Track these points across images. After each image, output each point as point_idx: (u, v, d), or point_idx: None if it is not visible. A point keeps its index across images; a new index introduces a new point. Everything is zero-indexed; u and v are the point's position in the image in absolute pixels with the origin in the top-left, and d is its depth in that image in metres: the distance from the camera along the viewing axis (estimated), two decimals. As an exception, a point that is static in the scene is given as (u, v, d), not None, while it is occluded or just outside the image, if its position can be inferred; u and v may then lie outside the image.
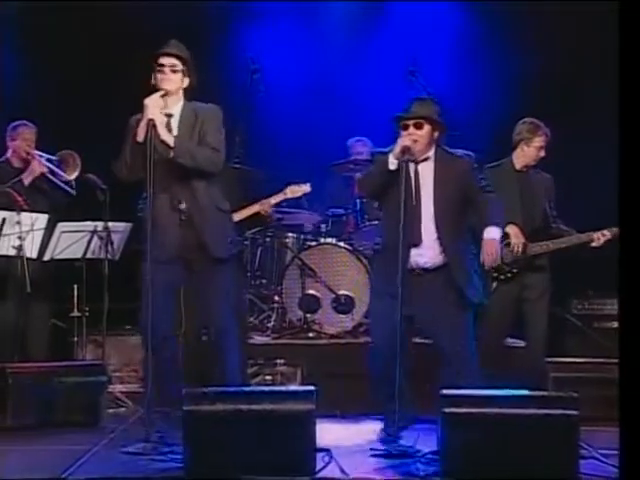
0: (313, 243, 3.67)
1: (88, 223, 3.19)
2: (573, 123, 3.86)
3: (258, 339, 3.47)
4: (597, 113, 3.72)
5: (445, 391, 2.16)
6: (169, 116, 2.48)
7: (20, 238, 2.99)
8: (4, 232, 2.98)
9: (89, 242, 3.19)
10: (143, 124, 2.41)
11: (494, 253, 2.50)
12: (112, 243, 3.18)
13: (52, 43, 4.03)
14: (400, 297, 2.31)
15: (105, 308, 3.13)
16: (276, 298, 3.66)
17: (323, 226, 3.76)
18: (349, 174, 3.75)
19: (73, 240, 3.17)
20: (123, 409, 3.10)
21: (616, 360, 2.68)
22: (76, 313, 3.35)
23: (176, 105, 2.51)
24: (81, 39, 4.06)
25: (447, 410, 2.12)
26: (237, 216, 3.17)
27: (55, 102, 3.99)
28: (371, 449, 2.40)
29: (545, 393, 2.39)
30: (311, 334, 3.50)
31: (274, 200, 3.26)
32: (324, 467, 2.19)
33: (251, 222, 3.33)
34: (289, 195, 3.29)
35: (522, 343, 3.12)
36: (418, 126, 2.44)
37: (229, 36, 4.32)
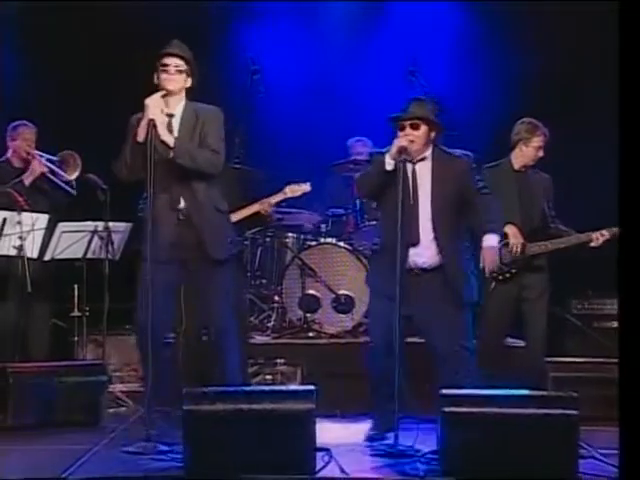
0: (313, 243, 3.68)
1: (89, 223, 3.19)
2: (573, 123, 3.87)
3: (258, 339, 3.47)
4: (597, 113, 3.72)
5: (445, 391, 2.16)
6: (170, 116, 2.48)
7: (21, 238, 2.99)
8: (5, 232, 2.98)
9: (89, 242, 3.20)
10: (144, 124, 2.42)
11: (494, 261, 2.54)
12: (112, 243, 3.18)
13: (52, 43, 4.03)
14: (398, 297, 2.32)
15: (105, 308, 3.13)
16: (276, 298, 3.66)
17: (323, 226, 3.76)
18: (349, 174, 3.75)
19: (74, 240, 3.17)
20: (123, 409, 3.10)
21: (616, 360, 2.68)
22: (76, 313, 3.35)
23: (178, 105, 2.51)
24: (81, 39, 4.06)
25: (447, 409, 2.13)
26: (237, 216, 3.17)
27: (55, 102, 3.99)
28: (371, 448, 2.41)
29: (545, 393, 2.40)
30: (311, 334, 3.51)
31: (274, 199, 3.26)
32: (324, 466, 2.20)
33: (251, 222, 3.33)
34: (289, 194, 3.29)
35: (522, 343, 3.12)
36: (415, 126, 2.45)
37: (229, 36, 4.32)
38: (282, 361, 3.17)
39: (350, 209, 3.79)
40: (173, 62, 2.47)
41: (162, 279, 2.40)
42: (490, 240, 2.50)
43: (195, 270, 2.50)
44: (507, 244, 2.95)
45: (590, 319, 3.54)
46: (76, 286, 3.35)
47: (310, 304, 3.56)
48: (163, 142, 2.44)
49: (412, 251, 2.44)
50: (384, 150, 2.48)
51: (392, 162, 2.42)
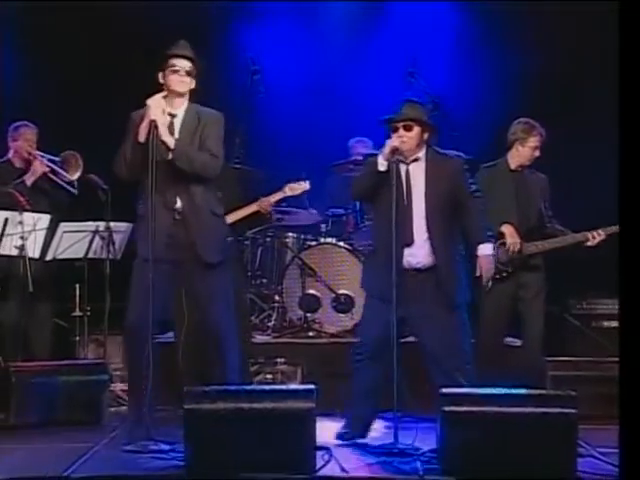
0: (313, 243, 3.69)
1: (90, 223, 3.20)
2: (573, 123, 3.87)
3: (259, 338, 3.47)
4: (597, 113, 3.73)
5: (444, 390, 2.17)
6: (172, 116, 2.49)
7: (22, 238, 3.00)
8: (7, 232, 2.99)
9: (91, 242, 3.21)
10: (145, 124, 2.42)
11: (490, 269, 2.57)
12: (114, 243, 3.20)
13: (52, 43, 4.04)
14: (395, 298, 2.34)
15: (107, 307, 3.15)
16: (276, 297, 3.67)
17: (323, 226, 3.77)
18: (349, 174, 3.75)
19: (75, 240, 3.19)
20: (124, 407, 3.11)
21: (614, 359, 2.70)
22: (78, 312, 3.37)
23: (180, 106, 2.52)
24: (81, 39, 4.07)
25: (446, 409, 2.13)
26: (237, 215, 3.17)
27: (55, 102, 4.00)
28: (371, 447, 2.42)
29: (543, 392, 2.40)
30: (311, 333, 3.51)
31: (273, 198, 3.26)
32: (324, 465, 2.21)
33: (251, 221, 3.33)
34: (288, 193, 3.29)
35: (520, 342, 3.12)
36: (407, 128, 2.47)
37: (229, 36, 4.32)
38: (282, 360, 3.18)
39: (350, 209, 3.79)
40: (183, 64, 2.48)
41: (155, 278, 2.39)
42: (485, 249, 2.54)
43: (189, 272, 2.50)
44: (504, 243, 2.96)
45: (589, 319, 3.55)
46: (77, 286, 3.36)
47: (310, 304, 3.57)
48: (163, 143, 2.45)
49: (406, 251, 2.45)
50: (377, 152, 2.50)
51: (385, 163, 2.43)
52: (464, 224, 2.53)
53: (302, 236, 3.76)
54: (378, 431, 2.66)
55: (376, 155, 2.49)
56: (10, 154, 3.28)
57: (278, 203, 3.40)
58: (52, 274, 3.26)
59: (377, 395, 2.52)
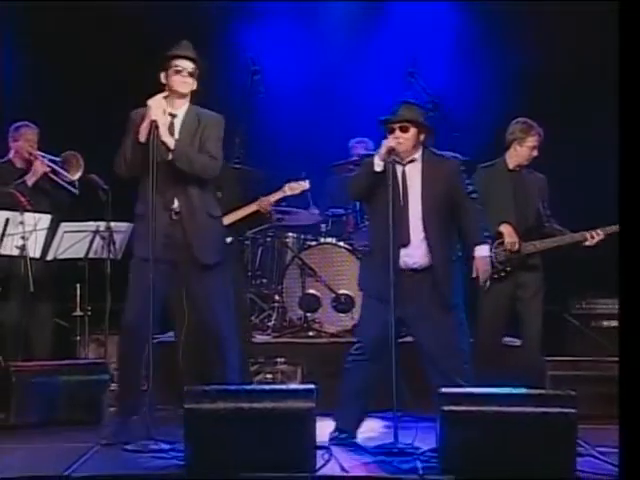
0: (313, 243, 3.69)
1: (90, 223, 3.21)
2: (572, 123, 3.88)
3: (259, 338, 3.48)
4: (596, 113, 3.73)
5: (444, 389, 2.18)
6: (173, 116, 2.49)
7: (23, 238, 3.01)
8: (8, 232, 2.99)
9: (91, 242, 3.22)
10: (145, 124, 2.43)
11: (487, 270, 2.59)
12: (114, 243, 3.20)
13: (52, 43, 4.04)
14: (392, 298, 2.35)
15: (107, 307, 3.16)
16: (277, 297, 3.68)
17: (323, 226, 3.77)
18: (349, 174, 3.76)
19: (76, 240, 3.19)
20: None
21: (613, 358, 2.70)
22: (79, 312, 3.38)
23: (181, 107, 2.52)
24: (81, 39, 4.07)
25: (446, 408, 2.14)
26: (237, 215, 3.18)
27: (55, 102, 4.00)
28: (371, 446, 2.42)
29: (543, 391, 2.41)
30: (311, 333, 3.52)
31: (273, 198, 3.27)
32: (324, 464, 2.21)
33: (251, 221, 3.34)
34: (288, 192, 3.29)
35: (518, 342, 3.13)
36: (404, 129, 2.48)
37: (229, 36, 4.33)
38: (282, 360, 3.19)
39: (350, 209, 3.79)
40: (187, 65, 2.48)
41: (153, 278, 2.38)
42: (482, 250, 2.55)
43: (187, 273, 2.50)
44: (502, 243, 2.97)
45: (588, 318, 3.55)
46: (78, 286, 3.37)
47: (310, 303, 3.58)
48: (164, 143, 2.46)
49: (403, 252, 2.46)
50: (374, 153, 2.51)
51: (381, 163, 2.44)
52: (461, 225, 2.54)
53: (302, 236, 3.77)
54: (378, 431, 2.67)
55: (372, 155, 2.50)
56: (11, 154, 3.29)
57: (278, 203, 3.40)
58: (53, 274, 3.26)
59: (367, 396, 2.53)
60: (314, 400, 2.15)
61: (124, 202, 3.01)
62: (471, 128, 3.59)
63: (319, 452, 2.22)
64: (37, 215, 3.08)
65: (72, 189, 3.26)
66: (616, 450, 2.09)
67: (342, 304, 3.53)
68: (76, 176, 3.24)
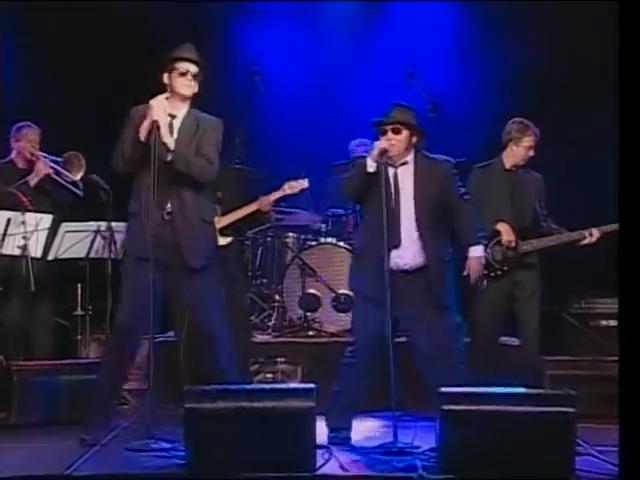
0: (313, 243, 3.70)
1: (91, 223, 3.22)
2: (572, 123, 3.88)
3: (259, 337, 3.49)
4: (596, 113, 3.73)
5: (443, 389, 2.18)
6: (172, 117, 2.50)
7: (25, 238, 3.02)
8: (9, 232, 3.00)
9: (92, 242, 3.23)
10: (146, 124, 2.44)
11: (479, 271, 2.61)
12: (115, 243, 3.21)
13: (52, 43, 4.04)
14: (389, 299, 2.35)
15: (108, 307, 3.16)
16: (277, 297, 3.68)
17: (323, 226, 3.78)
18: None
19: (77, 240, 3.20)
20: (126, 406, 3.13)
21: (612, 358, 2.71)
22: (80, 312, 3.39)
23: (181, 109, 2.53)
24: (81, 39, 4.07)
25: (445, 407, 2.15)
26: (237, 215, 3.19)
27: (55, 102, 4.00)
28: (370, 446, 2.43)
29: (542, 391, 2.43)
30: (311, 333, 3.52)
31: (273, 197, 3.27)
32: (324, 464, 2.22)
33: (251, 221, 3.35)
34: (287, 191, 3.30)
35: (516, 341, 3.14)
36: (396, 131, 2.49)
37: (229, 36, 4.33)
38: (283, 359, 3.20)
39: (350, 209, 3.79)
40: (191, 68, 2.49)
41: (142, 277, 2.40)
42: (477, 251, 2.57)
43: (175, 276, 2.49)
44: (499, 242, 2.98)
45: (587, 318, 3.55)
46: (79, 285, 3.39)
47: (310, 303, 3.58)
48: (164, 144, 2.47)
49: (394, 253, 2.46)
50: (366, 154, 2.52)
51: (374, 164, 2.46)
52: (455, 227, 2.55)
53: (302, 236, 3.78)
54: (377, 430, 2.68)
55: (365, 157, 2.51)
56: (13, 155, 3.29)
57: (278, 202, 3.41)
58: (54, 274, 3.27)
59: (358, 396, 2.53)
60: (314, 399, 2.16)
61: (125, 202, 3.01)
62: (471, 128, 3.60)
63: (319, 451, 2.22)
64: (38, 215, 3.09)
65: (75, 189, 3.27)
66: (615, 449, 2.10)
67: (342, 304, 3.54)
68: (78, 176, 3.25)
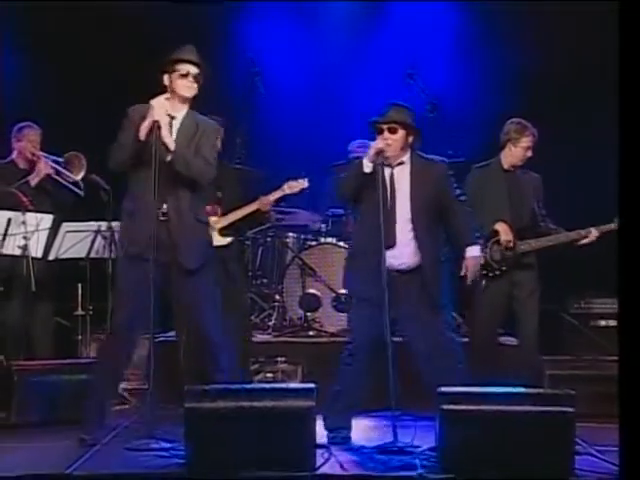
0: (313, 243, 3.71)
1: (92, 223, 3.23)
2: (572, 123, 3.89)
3: (259, 337, 3.50)
4: (596, 113, 3.74)
5: (443, 388, 2.19)
6: (171, 118, 2.50)
7: (25, 238, 3.02)
8: (10, 232, 3.01)
9: (93, 242, 3.24)
10: (147, 124, 2.44)
11: (476, 271, 2.61)
12: (116, 243, 3.21)
13: (52, 43, 4.05)
14: (387, 299, 2.36)
15: (109, 307, 3.16)
16: (277, 297, 3.69)
17: (323, 226, 3.79)
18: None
19: (77, 240, 3.21)
20: (126, 406, 3.14)
21: (611, 357, 2.72)
22: (80, 312, 3.40)
23: (181, 110, 2.54)
24: (81, 39, 4.07)
25: (445, 407, 2.15)
26: (238, 214, 3.19)
27: (55, 102, 4.01)
28: (370, 445, 2.44)
29: (542, 390, 2.43)
30: (311, 332, 3.54)
31: (273, 197, 3.28)
32: (324, 463, 2.23)
33: (252, 220, 3.35)
34: (287, 191, 3.30)
35: (515, 341, 3.14)
36: (392, 131, 2.49)
37: (229, 36, 4.33)
38: (283, 359, 3.20)
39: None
40: (191, 69, 2.49)
41: (137, 275, 2.40)
42: (473, 251, 2.58)
43: (171, 277, 2.49)
44: (497, 241, 2.98)
45: (586, 317, 3.56)
46: (80, 285, 3.39)
47: (310, 303, 3.59)
48: (164, 144, 2.47)
49: (389, 253, 2.46)
50: (363, 154, 2.53)
51: (370, 165, 2.46)
52: (451, 227, 2.56)
53: (302, 236, 3.78)
54: (377, 430, 2.68)
55: (361, 157, 2.51)
56: (14, 155, 3.30)
57: (278, 201, 3.42)
58: (55, 274, 3.28)
59: (356, 395, 2.54)
60: (314, 399, 2.17)
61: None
62: (470, 128, 3.61)
63: (319, 451, 2.23)
64: (39, 215, 3.09)
65: (76, 189, 3.27)
66: (614, 448, 2.10)
67: (342, 304, 3.54)
68: (79, 176, 3.26)
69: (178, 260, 2.47)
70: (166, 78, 2.52)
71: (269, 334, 3.57)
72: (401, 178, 2.53)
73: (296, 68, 4.31)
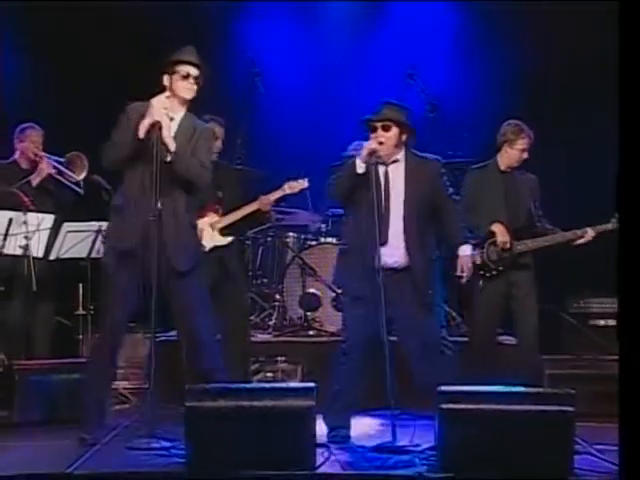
0: (313, 242, 3.72)
1: (93, 223, 3.23)
2: (571, 123, 3.89)
3: (259, 337, 3.50)
4: (596, 113, 3.74)
5: (443, 387, 2.19)
6: (170, 119, 2.50)
7: (27, 238, 3.03)
8: (11, 232, 3.01)
9: (94, 242, 3.24)
10: (147, 123, 2.44)
11: (469, 269, 2.62)
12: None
13: (52, 43, 4.05)
14: (383, 297, 2.36)
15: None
16: (277, 296, 3.70)
17: (323, 226, 3.80)
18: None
19: (78, 240, 3.22)
20: (127, 405, 3.14)
21: (610, 357, 2.72)
22: (81, 311, 3.41)
23: (179, 111, 2.54)
24: (81, 39, 4.08)
25: (444, 406, 2.16)
26: (238, 214, 3.20)
27: (55, 102, 4.01)
28: (370, 445, 2.44)
29: (541, 390, 2.43)
30: (311, 332, 3.54)
31: (273, 196, 3.29)
32: (324, 462, 2.23)
33: (252, 220, 3.36)
34: (287, 191, 3.30)
35: (514, 340, 3.14)
36: (386, 128, 2.48)
37: (229, 36, 4.34)
38: (283, 359, 3.21)
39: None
40: (191, 71, 2.49)
41: (126, 272, 2.40)
42: (466, 250, 2.59)
43: (162, 276, 2.46)
44: (494, 242, 2.99)
45: (585, 317, 3.56)
46: (81, 285, 3.40)
47: (310, 303, 3.60)
48: (164, 144, 2.47)
49: (381, 251, 2.46)
50: (356, 154, 2.52)
51: (363, 165, 2.46)
52: (444, 225, 2.56)
53: (302, 236, 3.79)
54: (376, 429, 2.69)
55: (354, 157, 2.51)
56: (16, 155, 3.30)
57: (278, 201, 3.42)
58: (56, 273, 3.28)
59: (356, 395, 2.54)
60: (314, 398, 2.17)
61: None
62: (470, 128, 3.61)
63: (319, 450, 2.23)
64: (40, 215, 3.10)
65: (78, 189, 3.27)
66: (614, 448, 2.10)
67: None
68: (81, 176, 3.26)
69: (170, 261, 2.46)
70: (166, 79, 2.52)
71: (269, 334, 3.58)
72: (395, 176, 2.52)
73: (296, 68, 4.31)
